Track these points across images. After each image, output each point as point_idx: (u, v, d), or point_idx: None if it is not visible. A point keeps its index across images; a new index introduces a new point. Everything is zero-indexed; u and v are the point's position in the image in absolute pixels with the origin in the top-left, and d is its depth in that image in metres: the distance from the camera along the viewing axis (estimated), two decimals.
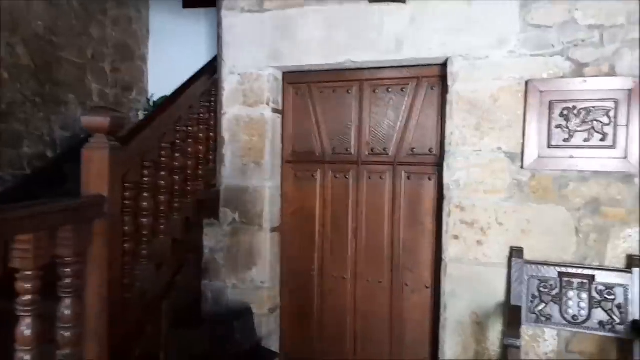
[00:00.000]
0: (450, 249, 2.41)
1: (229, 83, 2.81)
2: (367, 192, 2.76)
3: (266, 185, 2.77)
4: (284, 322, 2.95)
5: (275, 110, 2.80)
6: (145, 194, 2.13)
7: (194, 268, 2.80)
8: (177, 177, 2.42)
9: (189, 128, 2.58)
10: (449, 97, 2.41)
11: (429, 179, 2.63)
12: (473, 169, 2.36)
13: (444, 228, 2.44)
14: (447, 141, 2.42)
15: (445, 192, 2.43)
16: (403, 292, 2.69)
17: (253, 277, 2.80)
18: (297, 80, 2.86)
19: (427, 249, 2.64)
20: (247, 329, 2.66)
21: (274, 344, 2.86)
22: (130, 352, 2.06)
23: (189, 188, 2.57)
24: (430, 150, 2.62)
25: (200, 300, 2.85)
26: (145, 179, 2.13)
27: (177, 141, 2.42)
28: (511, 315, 2.07)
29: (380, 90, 2.71)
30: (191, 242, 2.70)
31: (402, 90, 2.66)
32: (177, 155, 2.40)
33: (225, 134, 2.83)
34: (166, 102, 2.52)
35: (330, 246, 2.84)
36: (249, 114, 2.78)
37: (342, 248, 2.81)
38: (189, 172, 2.57)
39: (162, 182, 2.28)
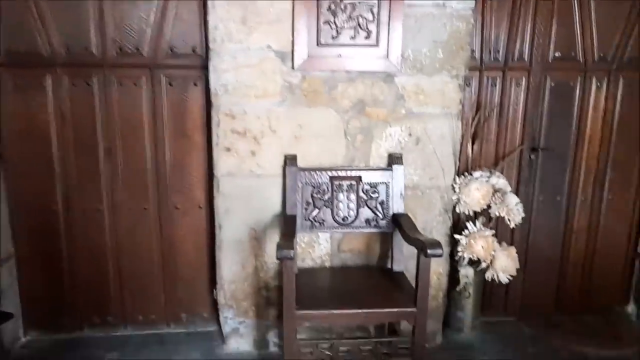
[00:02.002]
0: (222, 163, 2.14)
1: None
2: (119, 103, 2.23)
3: None
4: (25, 274, 2.32)
5: None
6: None
7: None
8: None
9: None
10: None
11: (195, 84, 2.26)
12: (242, 70, 2.06)
13: (215, 140, 2.14)
14: (211, 37, 2.04)
15: (213, 98, 2.10)
16: (173, 216, 2.36)
17: None
18: None
19: (198, 165, 2.33)
20: None
21: (10, 303, 2.24)
22: None
23: None
24: (193, 49, 2.22)
25: None
26: None
27: None
28: (285, 226, 1.97)
29: None
30: None
31: None
32: None
33: None
34: None
35: (76, 173, 2.27)
36: None
37: (93, 174, 2.27)
38: None
39: None
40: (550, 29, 2.35)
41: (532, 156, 2.46)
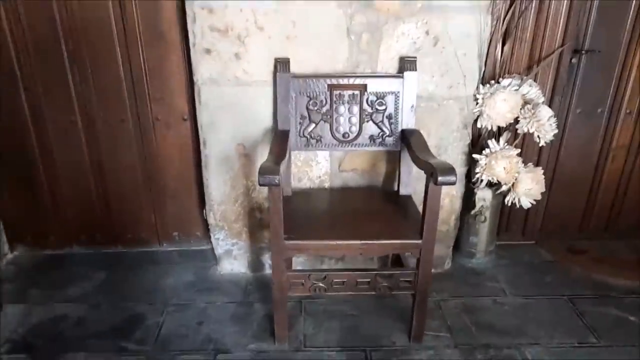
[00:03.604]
0: (203, 68, 1.83)
1: None
2: None
3: None
4: (2, 190, 2.16)
5: None
6: None
7: None
8: None
9: None
10: None
11: None
12: None
13: (191, 40, 1.80)
14: None
15: None
16: (155, 129, 2.10)
17: None
18: None
19: (177, 69, 2.01)
20: None
21: None
22: None
23: None
24: None
25: None
26: None
27: None
28: (275, 144, 1.69)
29: None
30: None
31: None
32: None
33: None
34: None
35: (41, 81, 1.98)
36: None
37: (61, 82, 1.99)
38: None
39: None
40: None
41: (574, 60, 2.05)
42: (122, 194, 2.20)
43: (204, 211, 2.12)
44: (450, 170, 1.45)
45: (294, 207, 1.76)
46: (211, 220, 2.08)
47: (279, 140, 1.75)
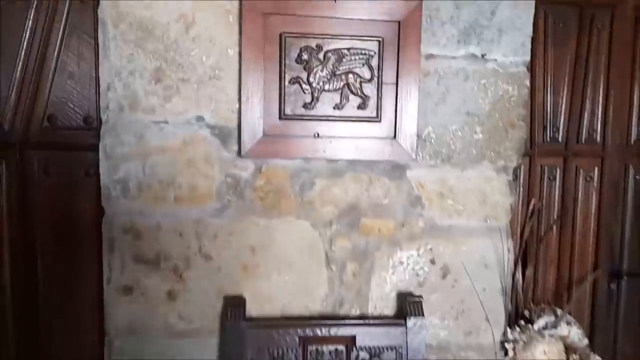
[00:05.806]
0: (120, 312, 1.26)
1: None
2: None
3: None
4: None
5: None
6: None
7: None
8: None
9: None
10: (100, 11, 1.21)
11: (88, 175, 1.41)
12: (155, 157, 1.24)
13: (106, 275, 1.27)
14: (102, 103, 1.24)
15: (105, 201, 1.25)
16: None
17: None
18: None
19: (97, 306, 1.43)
20: None
21: None
22: None
23: None
24: (87, 120, 1.39)
25: None
26: None
27: None
28: None
29: None
30: None
31: None
32: None
33: None
34: None
35: None
36: None
37: None
38: None
39: None
40: (631, 93, 1.60)
41: (612, 285, 1.62)
42: None
43: None
44: None
45: None
46: None
47: None
